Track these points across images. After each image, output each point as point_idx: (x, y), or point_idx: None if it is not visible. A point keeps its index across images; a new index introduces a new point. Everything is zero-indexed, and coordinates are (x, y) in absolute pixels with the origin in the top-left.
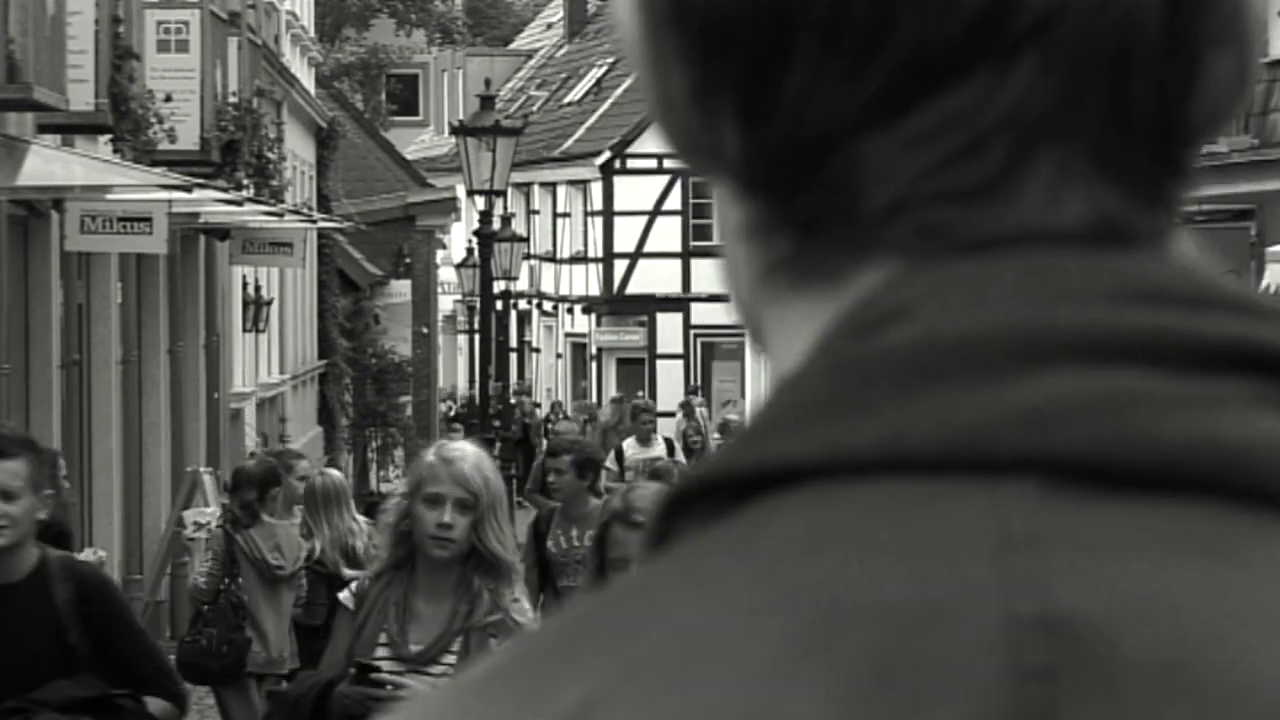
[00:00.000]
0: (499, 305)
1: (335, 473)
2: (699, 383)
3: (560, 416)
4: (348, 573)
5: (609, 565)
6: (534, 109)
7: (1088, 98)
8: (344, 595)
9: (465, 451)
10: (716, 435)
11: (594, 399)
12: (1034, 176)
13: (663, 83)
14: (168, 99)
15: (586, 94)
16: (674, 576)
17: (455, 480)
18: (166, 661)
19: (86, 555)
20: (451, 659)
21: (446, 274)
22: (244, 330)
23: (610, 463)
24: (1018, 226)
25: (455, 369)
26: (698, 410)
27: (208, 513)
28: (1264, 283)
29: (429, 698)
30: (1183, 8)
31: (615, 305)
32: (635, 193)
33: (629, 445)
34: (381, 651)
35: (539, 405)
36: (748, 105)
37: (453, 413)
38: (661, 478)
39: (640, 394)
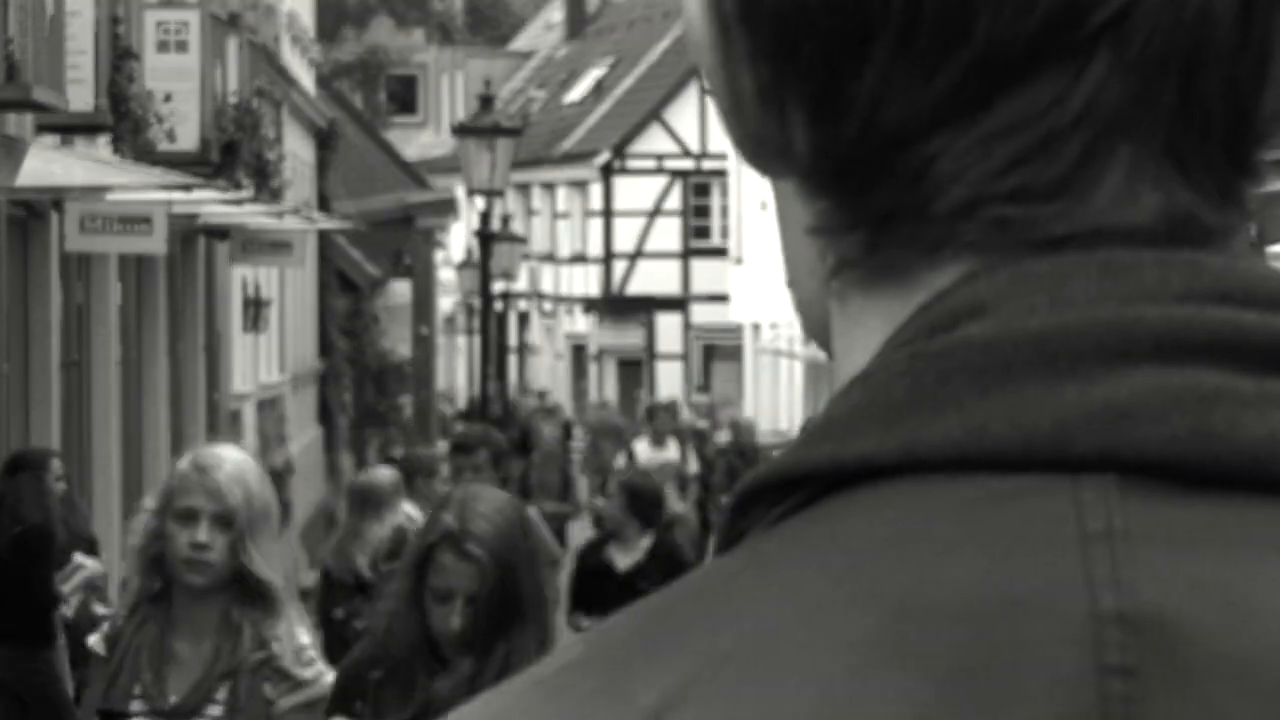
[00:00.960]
0: (499, 306)
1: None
2: (700, 383)
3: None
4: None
5: (428, 595)
6: (534, 109)
7: (1161, 95)
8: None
9: (223, 458)
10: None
11: (594, 399)
12: (1107, 174)
13: (731, 81)
14: (167, 99)
15: (586, 94)
16: (750, 573)
17: (210, 492)
18: None
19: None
20: (217, 710)
21: (446, 274)
22: (243, 331)
23: (621, 466)
24: (1092, 224)
25: (455, 369)
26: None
27: None
28: None
29: (497, 696)
30: (1257, 4)
31: (615, 306)
32: (635, 193)
33: (642, 447)
34: (136, 705)
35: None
36: (819, 103)
37: (462, 412)
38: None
39: (638, 394)
